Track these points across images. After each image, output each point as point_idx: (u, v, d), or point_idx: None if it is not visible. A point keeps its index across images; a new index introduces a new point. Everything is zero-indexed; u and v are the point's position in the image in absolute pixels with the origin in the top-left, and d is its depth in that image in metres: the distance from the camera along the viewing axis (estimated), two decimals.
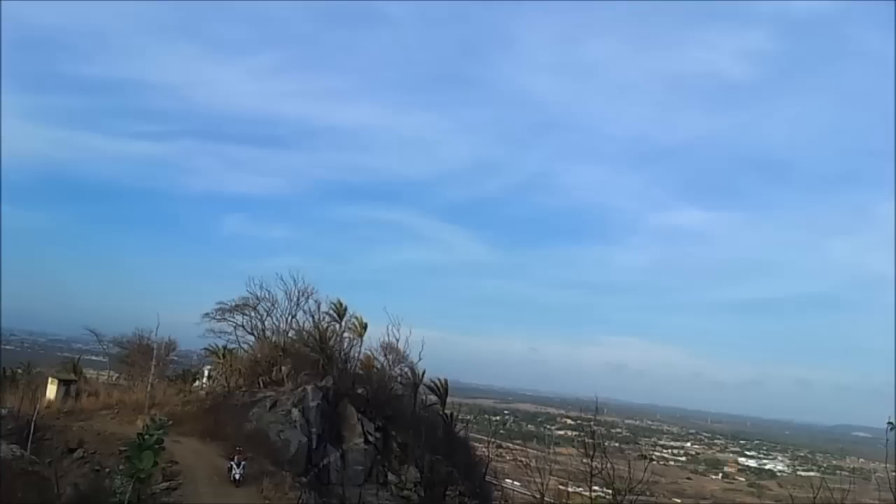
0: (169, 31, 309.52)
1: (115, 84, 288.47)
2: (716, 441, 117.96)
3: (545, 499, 14.36)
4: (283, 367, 26.54)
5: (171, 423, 11.13)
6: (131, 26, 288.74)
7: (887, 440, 10.04)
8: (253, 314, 28.68)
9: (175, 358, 34.04)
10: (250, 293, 28.45)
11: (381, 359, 29.03)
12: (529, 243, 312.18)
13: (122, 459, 10.02)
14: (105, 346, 34.10)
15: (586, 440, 13.56)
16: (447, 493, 23.82)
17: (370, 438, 24.82)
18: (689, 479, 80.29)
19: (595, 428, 14.23)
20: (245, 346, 28.72)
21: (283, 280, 28.59)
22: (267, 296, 28.54)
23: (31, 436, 16.69)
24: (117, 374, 33.60)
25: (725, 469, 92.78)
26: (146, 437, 8.30)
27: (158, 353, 28.38)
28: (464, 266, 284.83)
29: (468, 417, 32.34)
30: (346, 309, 28.96)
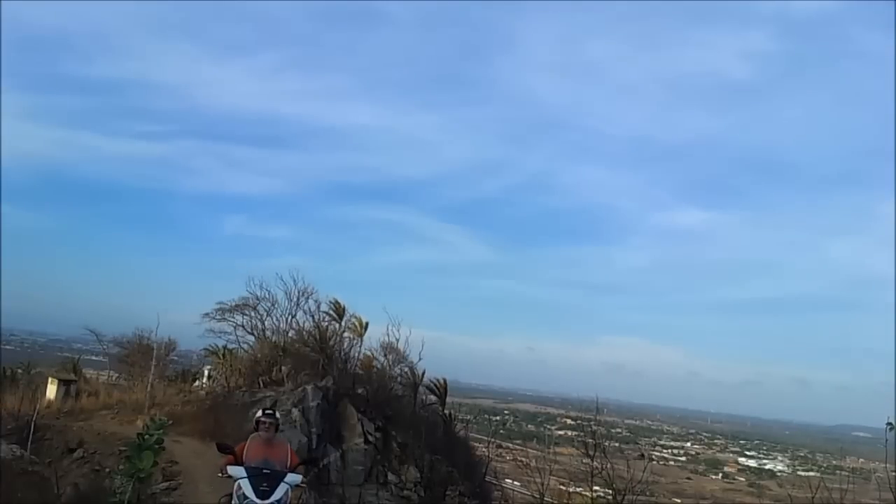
0: (169, 31, 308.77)
1: (115, 84, 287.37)
2: (716, 441, 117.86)
3: (545, 499, 14.38)
4: (283, 367, 26.55)
5: (171, 423, 11.14)
6: (131, 26, 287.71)
7: (887, 440, 10.05)
8: (253, 314, 28.67)
9: (175, 358, 34.02)
10: (250, 293, 28.44)
11: (381, 359, 29.04)
12: (529, 243, 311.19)
13: (122, 459, 10.02)
14: (105, 346, 34.07)
15: (587, 440, 13.59)
16: (447, 493, 23.83)
17: (370, 438, 24.84)
18: (689, 479, 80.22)
19: (595, 428, 14.25)
20: (245, 346, 28.72)
21: (283, 280, 28.56)
22: (267, 296, 28.51)
23: (31, 436, 16.68)
24: (117, 374, 33.61)
25: (725, 469, 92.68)
26: (146, 437, 8.34)
27: (158, 353, 28.37)
28: (464, 266, 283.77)
29: (468, 417, 32.29)
30: (344, 309, 28.98)
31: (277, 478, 7.21)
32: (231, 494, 7.29)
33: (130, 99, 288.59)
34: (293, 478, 7.37)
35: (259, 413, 8.19)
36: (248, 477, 7.11)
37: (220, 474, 7.60)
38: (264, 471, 7.22)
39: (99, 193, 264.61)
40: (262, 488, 7.01)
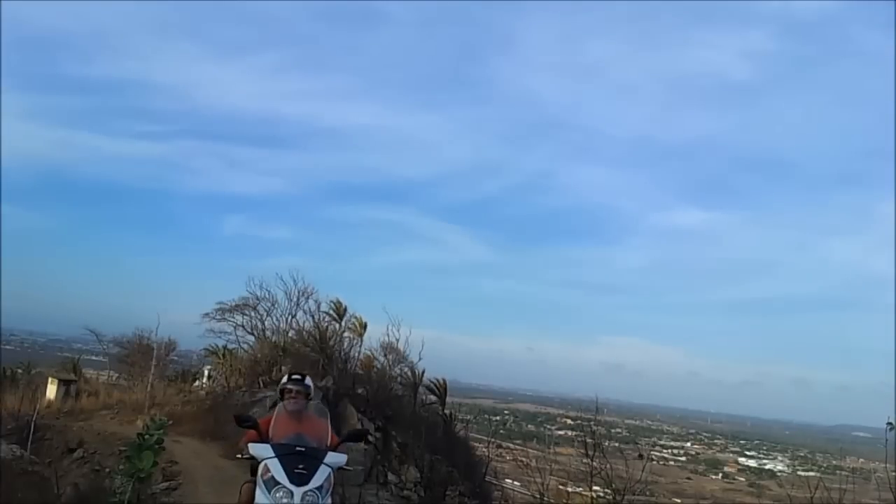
0: (169, 31, 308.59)
1: (116, 84, 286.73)
2: (716, 441, 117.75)
3: (545, 499, 14.37)
4: (283, 367, 26.55)
5: (171, 423, 11.15)
6: (131, 26, 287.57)
7: (886, 440, 10.07)
8: (253, 314, 28.67)
9: (175, 358, 34.05)
10: (250, 293, 28.42)
11: (381, 359, 29.03)
12: (529, 243, 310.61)
13: (122, 459, 10.01)
14: (105, 346, 34.15)
15: (586, 440, 13.58)
16: (447, 493, 23.83)
17: (370, 438, 24.84)
18: (689, 479, 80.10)
19: (595, 428, 14.24)
20: (245, 346, 28.74)
21: (283, 280, 28.56)
22: (267, 296, 28.50)
23: (31, 436, 16.69)
24: (117, 374, 33.64)
25: (725, 469, 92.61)
26: (146, 437, 8.33)
27: (158, 353, 28.42)
28: (464, 266, 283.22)
29: (468, 417, 32.26)
30: (345, 309, 28.98)
31: (316, 457, 5.63)
32: (254, 482, 5.60)
33: (130, 99, 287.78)
34: (336, 458, 5.81)
35: (284, 379, 6.29)
36: (278, 457, 5.47)
37: (239, 455, 5.93)
38: (298, 448, 5.61)
39: (99, 193, 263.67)
40: (297, 470, 5.42)
